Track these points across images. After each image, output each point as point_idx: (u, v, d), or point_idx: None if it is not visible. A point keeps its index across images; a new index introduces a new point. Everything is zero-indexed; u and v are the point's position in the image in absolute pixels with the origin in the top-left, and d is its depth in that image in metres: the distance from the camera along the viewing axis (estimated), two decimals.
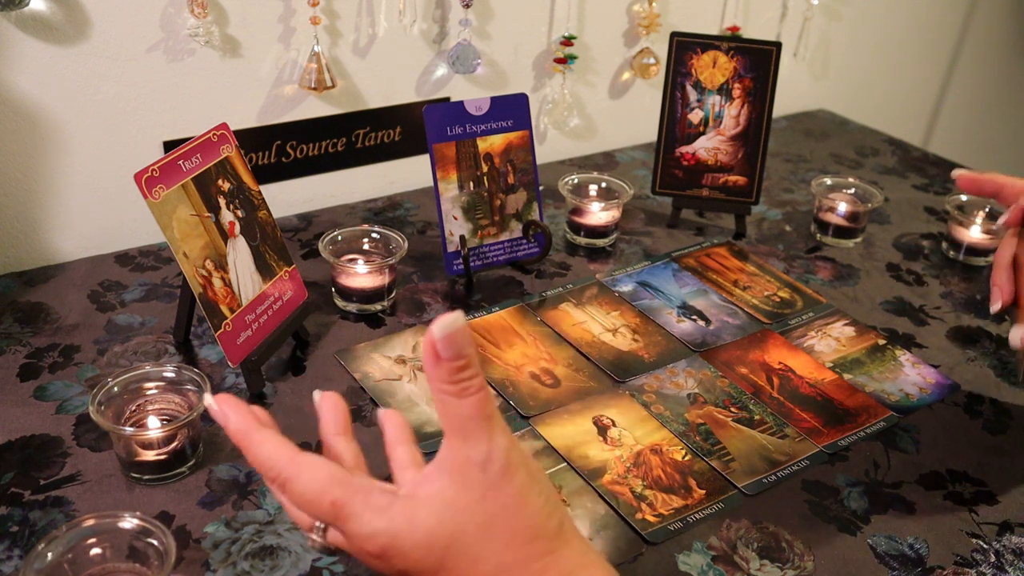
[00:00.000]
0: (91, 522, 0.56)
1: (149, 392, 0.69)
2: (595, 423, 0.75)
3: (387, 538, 0.45)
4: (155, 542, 0.55)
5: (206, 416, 0.73)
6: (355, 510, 0.45)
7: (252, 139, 1.00)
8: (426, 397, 0.77)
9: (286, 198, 1.05)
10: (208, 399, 0.49)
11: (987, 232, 1.04)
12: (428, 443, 0.71)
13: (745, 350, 0.86)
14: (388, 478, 0.68)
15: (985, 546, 0.66)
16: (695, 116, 1.04)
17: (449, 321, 0.42)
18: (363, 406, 0.75)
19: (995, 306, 0.67)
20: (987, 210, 1.05)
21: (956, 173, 0.73)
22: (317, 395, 0.53)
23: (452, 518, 0.45)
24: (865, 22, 1.53)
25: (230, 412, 0.48)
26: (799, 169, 1.27)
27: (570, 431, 0.74)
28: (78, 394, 0.74)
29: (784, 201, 1.17)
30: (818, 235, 1.07)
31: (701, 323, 0.89)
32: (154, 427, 0.67)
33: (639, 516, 0.66)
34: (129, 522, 0.56)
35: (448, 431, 0.45)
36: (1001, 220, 0.68)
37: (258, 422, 0.49)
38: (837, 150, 1.35)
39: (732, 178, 1.05)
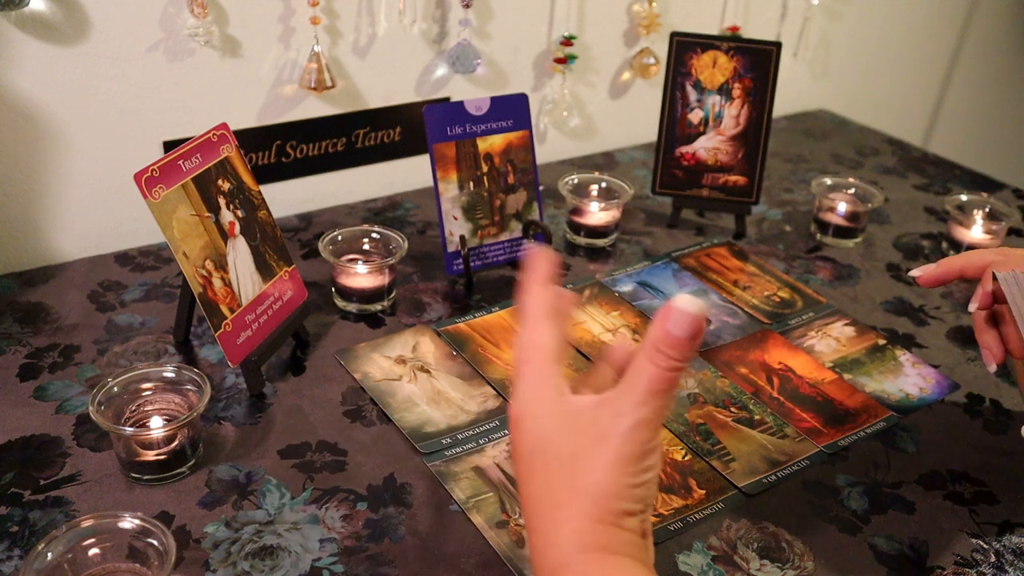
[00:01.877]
0: (91, 522, 0.56)
1: (149, 392, 0.69)
2: None
3: (520, 411, 0.48)
4: (155, 542, 0.55)
5: (206, 416, 0.73)
6: (529, 371, 0.49)
7: (252, 139, 1.00)
8: (426, 397, 0.77)
9: (286, 198, 1.05)
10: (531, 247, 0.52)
11: (987, 232, 1.04)
12: (428, 443, 0.71)
13: (745, 350, 0.86)
14: (392, 475, 0.68)
15: (985, 546, 0.66)
16: (695, 116, 1.04)
17: (691, 302, 0.45)
18: (363, 406, 0.75)
19: (991, 366, 0.68)
20: (987, 210, 1.05)
21: (914, 274, 0.72)
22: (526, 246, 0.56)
23: (564, 433, 0.47)
24: (865, 22, 1.53)
25: (539, 259, 0.51)
26: (799, 169, 1.27)
27: None
28: (78, 394, 0.74)
29: (784, 201, 1.17)
30: (818, 235, 1.07)
31: None
32: (154, 427, 0.67)
33: None
34: (129, 522, 0.56)
35: (625, 376, 0.47)
36: (972, 307, 0.68)
37: (543, 282, 0.51)
38: (837, 150, 1.35)
39: (732, 178, 1.05)
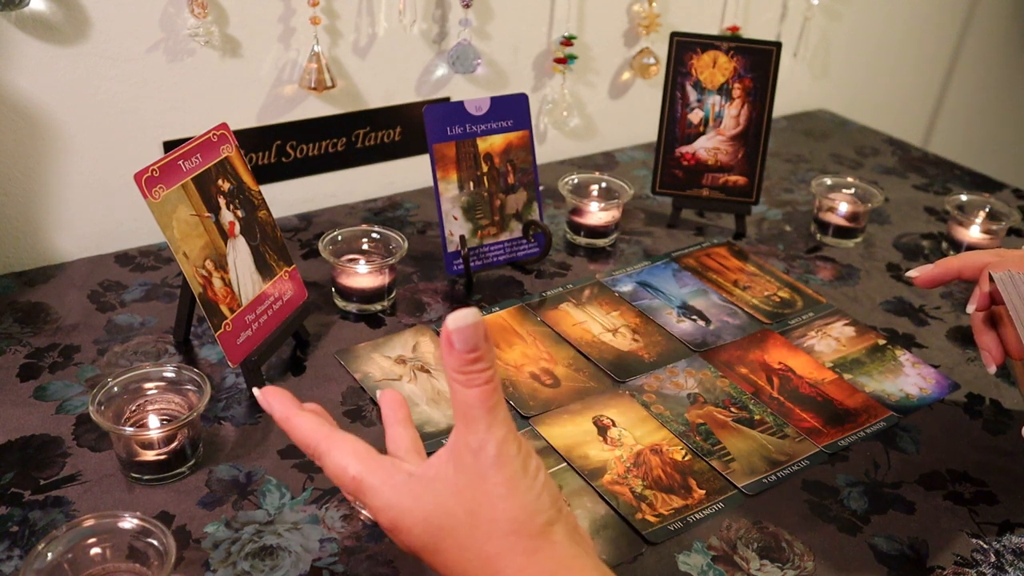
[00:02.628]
0: (91, 522, 0.56)
1: (149, 392, 0.69)
2: (595, 423, 0.75)
3: (395, 512, 0.49)
4: (155, 542, 0.55)
5: (206, 416, 0.73)
6: (373, 483, 0.50)
7: (252, 139, 1.00)
8: (426, 397, 0.77)
9: (286, 198, 1.05)
10: (256, 393, 0.55)
11: (987, 232, 1.04)
12: (428, 443, 0.71)
13: (745, 350, 0.86)
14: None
15: (985, 546, 0.66)
16: (695, 116, 1.04)
17: (462, 315, 0.45)
18: (363, 406, 0.75)
19: (990, 368, 0.68)
20: (987, 210, 1.05)
21: (911, 275, 0.72)
22: (379, 393, 0.60)
23: (446, 500, 0.48)
24: (865, 22, 1.53)
25: (273, 401, 0.55)
26: (799, 169, 1.27)
27: (570, 431, 0.74)
28: (78, 394, 0.74)
29: (784, 201, 1.17)
30: (818, 235, 1.07)
31: (701, 323, 0.89)
32: (154, 427, 0.67)
33: (639, 516, 0.66)
34: (129, 522, 0.56)
35: (455, 416, 0.48)
36: (970, 308, 0.68)
37: (298, 408, 0.54)
38: (837, 150, 1.35)
39: (732, 178, 1.05)
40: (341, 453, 0.51)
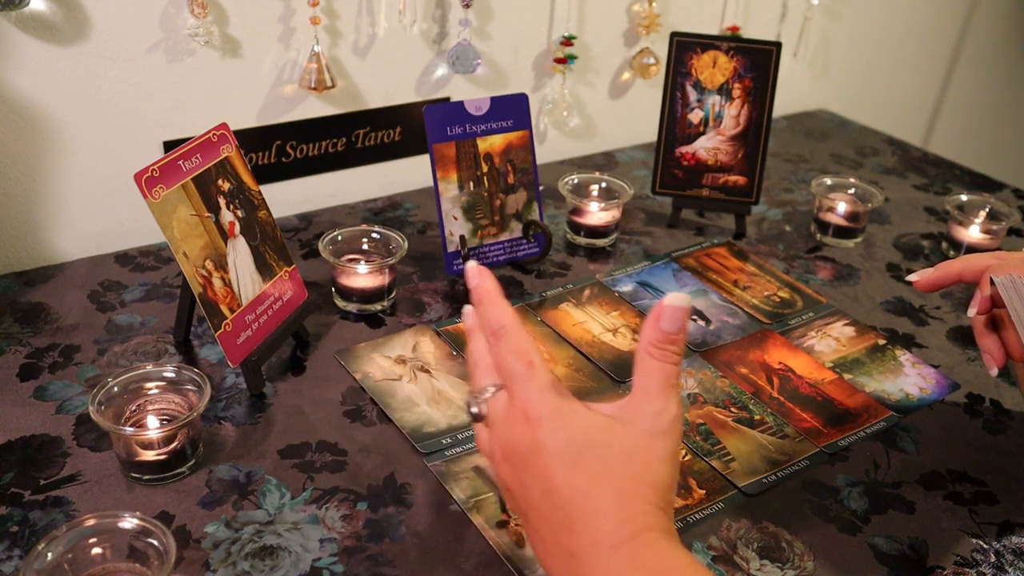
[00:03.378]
0: (91, 522, 0.56)
1: (149, 392, 0.69)
2: None
3: (549, 410, 0.50)
4: (155, 542, 0.55)
5: (206, 416, 0.73)
6: (540, 375, 0.51)
7: (252, 139, 1.00)
8: (426, 397, 0.77)
9: (286, 198, 1.05)
10: (471, 263, 0.56)
11: (987, 232, 1.04)
12: (428, 443, 0.71)
13: (745, 350, 0.86)
14: (392, 475, 0.68)
15: (985, 546, 0.66)
16: (695, 116, 1.04)
17: (679, 297, 0.49)
18: (363, 406, 0.75)
19: (992, 370, 0.68)
20: (987, 210, 1.05)
21: (911, 278, 0.73)
22: (467, 310, 0.59)
23: (605, 432, 0.50)
24: (865, 22, 1.53)
25: (485, 278, 0.55)
26: (799, 169, 1.27)
27: None
28: (78, 394, 0.74)
29: (784, 201, 1.17)
30: (818, 235, 1.07)
31: (701, 323, 0.89)
32: (154, 427, 0.67)
33: None
34: (129, 522, 0.56)
35: (636, 385, 0.51)
36: (971, 312, 0.68)
37: (498, 288, 0.55)
38: (837, 150, 1.35)
39: (732, 178, 1.05)
40: (526, 337, 0.53)
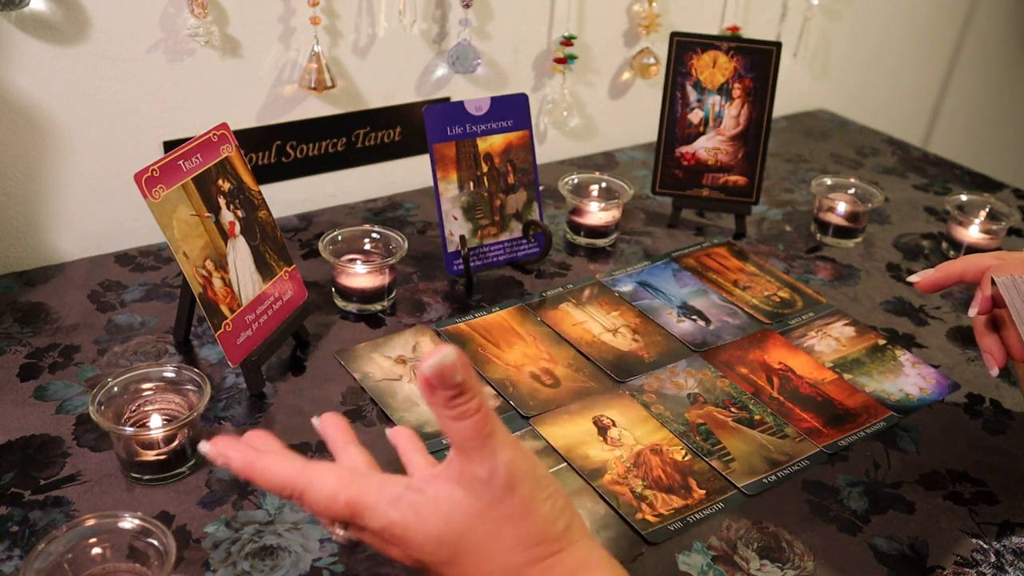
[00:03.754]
0: (91, 522, 0.56)
1: (149, 392, 0.69)
2: (595, 423, 0.75)
3: (400, 529, 0.48)
4: (155, 542, 0.55)
5: (206, 416, 0.73)
6: (368, 503, 0.48)
7: (252, 139, 1.00)
8: None
9: (286, 198, 1.05)
10: (203, 446, 0.51)
11: (987, 232, 1.04)
12: (430, 442, 0.71)
13: (745, 350, 0.86)
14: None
15: (985, 546, 0.66)
16: (695, 116, 1.04)
17: (438, 359, 0.45)
18: (363, 406, 0.76)
19: (993, 371, 0.68)
20: (987, 210, 1.05)
21: (912, 279, 0.73)
22: (316, 421, 0.57)
23: (459, 521, 0.47)
24: (865, 22, 1.53)
25: (229, 452, 0.51)
26: (799, 169, 1.27)
27: (570, 431, 0.74)
28: (78, 394, 0.74)
29: (784, 201, 1.17)
30: (818, 235, 1.07)
31: (701, 323, 0.89)
32: (154, 427, 0.67)
33: (639, 516, 0.66)
34: (129, 522, 0.56)
35: (453, 447, 0.48)
36: (971, 312, 0.68)
37: (257, 451, 0.51)
38: (837, 150, 1.35)
39: (732, 178, 1.05)
40: (323, 483, 0.49)
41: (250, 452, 0.51)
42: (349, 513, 0.49)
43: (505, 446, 0.47)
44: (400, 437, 0.59)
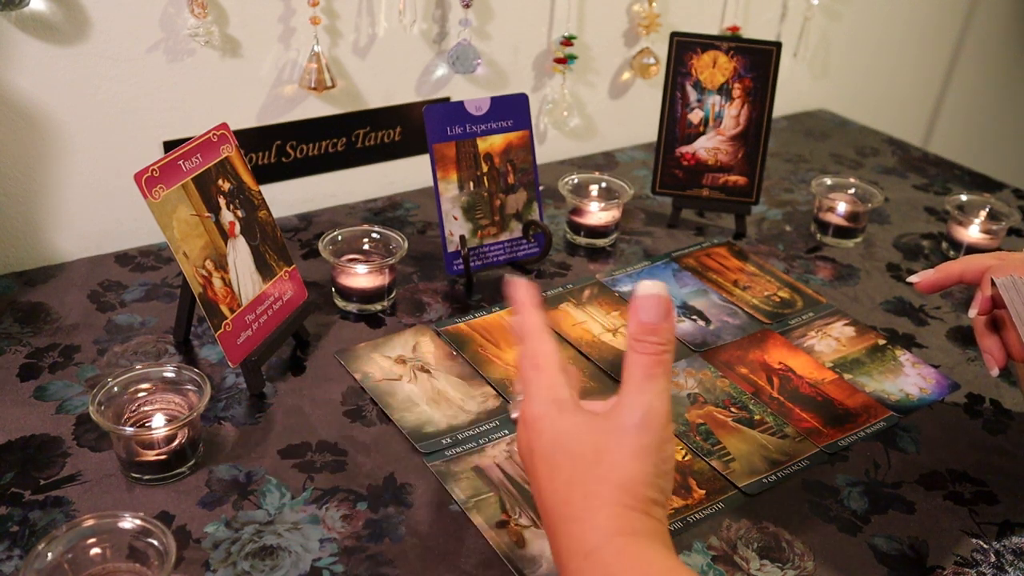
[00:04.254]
0: (91, 522, 0.56)
1: (149, 392, 0.69)
2: None
3: (539, 412, 0.51)
4: (155, 542, 0.55)
5: (206, 416, 0.73)
6: (543, 377, 0.53)
7: (252, 139, 1.00)
8: (426, 397, 0.77)
9: (286, 198, 1.05)
10: (515, 280, 0.56)
11: (987, 232, 1.04)
12: (427, 443, 0.71)
13: (745, 350, 0.86)
14: (392, 475, 0.68)
15: (985, 546, 0.66)
16: (695, 116, 1.04)
17: (651, 286, 0.49)
18: (363, 406, 0.75)
19: (993, 371, 0.68)
20: (987, 210, 1.05)
21: (912, 280, 0.73)
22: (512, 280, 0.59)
23: (582, 431, 0.50)
24: (865, 22, 1.53)
25: (518, 289, 0.56)
26: (799, 169, 1.27)
27: None
28: (78, 394, 0.74)
29: (784, 201, 1.17)
30: (818, 235, 1.07)
31: (701, 323, 0.89)
32: (155, 427, 0.67)
33: None
34: (129, 522, 0.56)
35: (622, 380, 0.51)
36: (972, 312, 0.68)
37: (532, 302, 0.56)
38: (837, 150, 1.35)
39: (732, 178, 1.05)
40: (544, 343, 0.54)
41: (528, 294, 0.56)
42: (531, 373, 0.53)
43: (658, 394, 0.49)
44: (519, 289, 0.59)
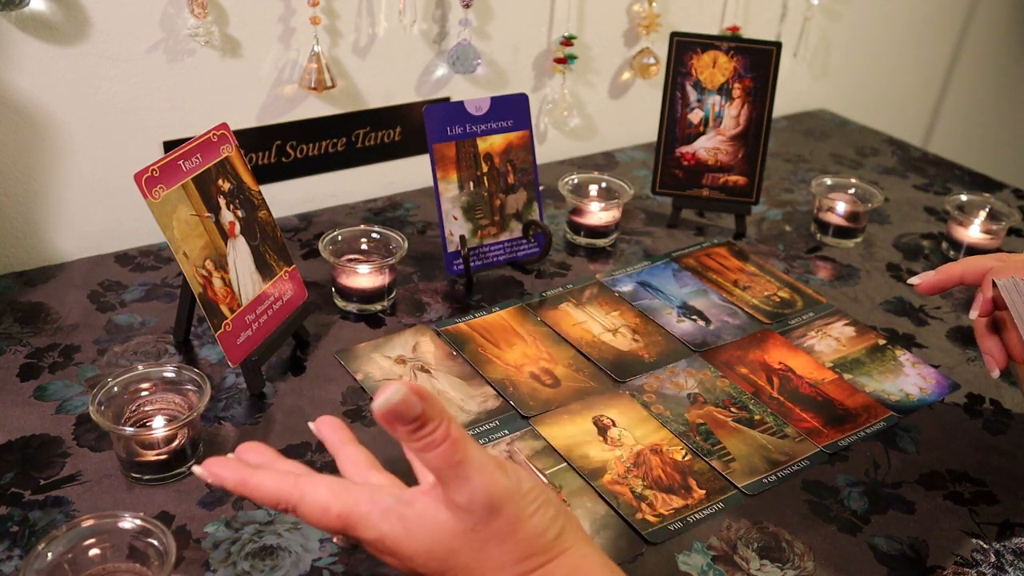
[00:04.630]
0: (91, 522, 0.56)
1: (149, 392, 0.69)
2: (595, 423, 0.75)
3: (391, 541, 0.49)
4: (155, 542, 0.55)
5: (206, 416, 0.73)
6: (360, 515, 0.49)
7: (252, 139, 1.00)
8: None
9: (286, 198, 1.05)
10: (197, 470, 0.52)
11: (987, 232, 1.04)
12: None
13: (745, 350, 0.86)
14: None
15: (985, 546, 0.66)
16: (695, 116, 1.04)
17: (385, 397, 0.44)
18: (363, 406, 0.75)
19: (994, 372, 0.68)
20: (987, 210, 1.05)
21: (913, 282, 0.73)
22: (312, 426, 0.58)
23: (446, 540, 0.48)
24: (865, 22, 1.53)
25: (221, 472, 0.51)
26: (799, 169, 1.27)
27: (570, 431, 0.74)
28: (78, 394, 0.74)
29: (784, 201, 1.17)
30: (818, 235, 1.07)
31: (701, 323, 0.89)
32: (155, 427, 0.67)
33: (639, 516, 0.66)
34: (129, 522, 0.56)
35: (433, 475, 0.48)
36: (973, 314, 0.68)
37: (249, 468, 0.51)
38: (837, 150, 1.35)
39: (732, 178, 1.05)
40: (315, 495, 0.49)
41: (243, 470, 0.51)
42: (341, 525, 0.49)
43: (481, 470, 0.46)
44: (325, 429, 0.57)
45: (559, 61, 1.15)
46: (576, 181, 1.03)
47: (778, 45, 1.01)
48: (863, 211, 1.06)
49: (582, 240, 1.02)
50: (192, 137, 0.73)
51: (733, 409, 0.78)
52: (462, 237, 0.91)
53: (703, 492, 0.69)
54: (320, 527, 0.50)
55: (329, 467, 0.69)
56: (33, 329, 0.81)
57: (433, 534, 0.48)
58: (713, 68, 1.02)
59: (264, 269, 0.77)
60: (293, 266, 0.81)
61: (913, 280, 0.72)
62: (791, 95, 1.46)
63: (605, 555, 0.51)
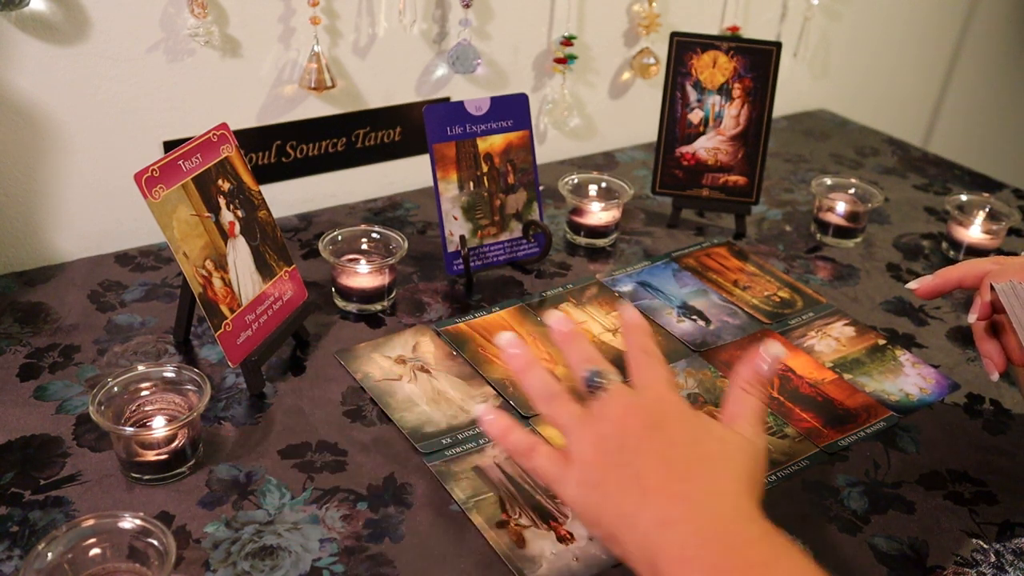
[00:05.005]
0: (91, 522, 0.56)
1: (149, 392, 0.69)
2: None
3: (665, 388, 0.58)
4: (155, 542, 0.55)
5: (206, 416, 0.73)
6: (655, 363, 0.62)
7: (252, 139, 1.00)
8: (426, 397, 0.77)
9: (286, 198, 1.05)
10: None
11: (987, 232, 1.04)
12: (427, 443, 0.71)
13: (745, 350, 0.86)
14: (392, 475, 0.68)
15: (985, 546, 0.66)
16: (695, 116, 1.04)
17: (780, 348, 0.57)
18: (363, 406, 0.75)
19: (993, 376, 0.68)
20: (987, 210, 1.05)
21: (911, 286, 0.73)
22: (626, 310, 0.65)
23: (711, 428, 0.55)
24: (865, 22, 1.53)
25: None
26: (799, 169, 1.27)
27: None
28: (78, 394, 0.74)
29: (784, 201, 1.17)
30: (818, 235, 1.07)
31: (701, 323, 0.89)
32: (155, 427, 0.67)
33: None
34: (129, 522, 0.56)
35: (728, 413, 0.56)
36: (971, 318, 0.68)
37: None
38: (837, 150, 1.35)
39: (732, 178, 1.05)
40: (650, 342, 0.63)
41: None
42: (638, 354, 0.64)
43: (765, 439, 0.56)
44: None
45: (559, 61, 1.15)
46: (576, 181, 1.03)
47: (778, 45, 1.01)
48: (863, 211, 1.06)
49: (582, 240, 1.02)
50: (192, 137, 0.73)
51: None
52: (462, 237, 0.91)
53: None
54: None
55: (329, 466, 0.69)
56: (33, 329, 0.81)
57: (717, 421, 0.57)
58: (713, 68, 1.02)
59: (264, 269, 0.77)
60: (293, 266, 0.81)
61: (911, 285, 0.72)
62: (791, 95, 1.46)
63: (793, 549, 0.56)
